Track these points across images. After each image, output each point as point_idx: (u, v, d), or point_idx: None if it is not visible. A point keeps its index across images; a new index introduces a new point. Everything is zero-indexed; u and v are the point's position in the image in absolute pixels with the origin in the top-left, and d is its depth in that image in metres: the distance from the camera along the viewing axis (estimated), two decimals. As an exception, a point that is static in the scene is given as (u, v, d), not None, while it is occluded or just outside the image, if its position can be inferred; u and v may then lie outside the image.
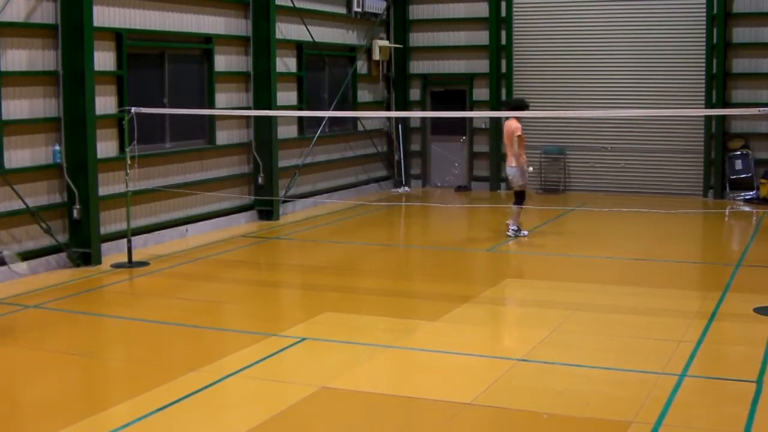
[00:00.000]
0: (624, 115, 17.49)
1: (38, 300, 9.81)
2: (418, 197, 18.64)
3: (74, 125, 11.28)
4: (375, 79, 19.31)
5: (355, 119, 18.48)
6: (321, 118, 16.45)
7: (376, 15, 18.86)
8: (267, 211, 15.20)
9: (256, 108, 14.98)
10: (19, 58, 10.80)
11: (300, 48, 16.44)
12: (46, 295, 10.05)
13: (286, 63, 16.09)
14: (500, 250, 12.89)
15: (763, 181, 16.73)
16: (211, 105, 14.18)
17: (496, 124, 18.92)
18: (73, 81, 11.23)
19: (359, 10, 18.12)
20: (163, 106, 13.16)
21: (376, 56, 18.87)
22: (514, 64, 18.84)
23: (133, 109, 11.64)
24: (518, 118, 13.19)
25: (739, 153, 17.16)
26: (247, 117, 14.99)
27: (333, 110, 16.82)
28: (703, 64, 17.35)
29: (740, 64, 17.19)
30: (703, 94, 17.33)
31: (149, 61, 13.12)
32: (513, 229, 13.35)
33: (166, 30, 13.22)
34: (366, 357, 7.85)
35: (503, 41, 18.83)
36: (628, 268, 11.58)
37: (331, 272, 11.56)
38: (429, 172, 20.00)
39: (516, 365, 7.45)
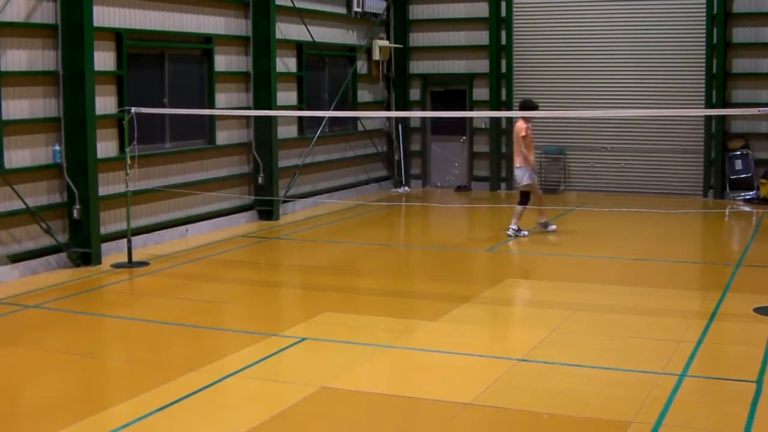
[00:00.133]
0: (624, 115, 17.49)
1: (38, 300, 9.81)
2: (418, 197, 18.64)
3: (74, 125, 11.28)
4: (375, 79, 19.31)
5: (355, 119, 18.48)
6: (321, 118, 16.45)
7: (376, 15, 18.86)
8: (267, 211, 15.20)
9: (256, 108, 14.98)
10: (19, 58, 10.80)
11: (300, 48, 16.44)
12: (46, 295, 10.05)
13: (286, 63, 16.09)
14: (500, 250, 12.89)
15: (763, 181, 16.73)
16: (211, 105, 14.18)
17: (496, 124, 18.95)
18: (73, 81, 11.23)
19: (359, 10, 18.12)
20: (163, 106, 13.17)
21: (376, 56, 18.87)
22: (514, 64, 18.84)
23: (133, 109, 11.64)
24: (526, 119, 13.26)
25: (739, 153, 17.16)
26: (247, 117, 14.99)
27: (333, 110, 16.82)
28: (703, 64, 17.35)
29: (740, 64, 17.19)
30: (703, 94, 17.33)
31: (149, 61, 13.13)
32: (513, 229, 13.37)
33: (166, 30, 13.22)
34: (366, 357, 7.85)
35: (503, 41, 18.83)
36: (628, 268, 11.58)
37: (331, 272, 11.56)
38: (429, 172, 20.00)
39: (516, 365, 7.45)
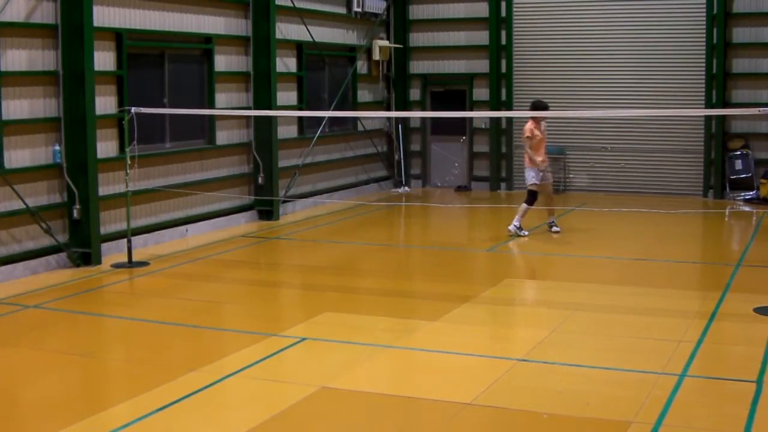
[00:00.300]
0: (624, 115, 17.50)
1: (38, 300, 9.81)
2: (418, 197, 18.64)
3: (74, 125, 11.28)
4: (375, 79, 19.31)
5: (355, 119, 18.48)
6: (321, 118, 16.45)
7: (376, 15, 18.86)
8: (267, 211, 15.20)
9: (256, 108, 14.98)
10: (19, 58, 10.80)
11: (300, 48, 16.44)
12: (46, 295, 10.05)
13: (286, 63, 16.09)
14: (500, 250, 12.89)
15: (763, 181, 16.73)
16: (211, 105, 14.18)
17: (496, 124, 18.96)
18: (73, 81, 11.23)
19: (359, 10, 18.12)
20: (163, 106, 13.17)
21: (376, 56, 18.87)
22: (514, 64, 18.84)
23: (133, 109, 11.64)
24: (535, 119, 13.30)
25: (739, 153, 17.16)
26: (247, 117, 14.99)
27: (333, 110, 16.82)
28: (703, 64, 17.35)
29: (740, 64, 17.19)
30: (703, 94, 17.33)
31: (149, 61, 13.13)
32: (515, 226, 13.41)
33: (166, 30, 13.22)
34: (366, 357, 7.85)
35: (503, 41, 18.83)
36: (628, 268, 11.58)
37: (331, 272, 11.56)
38: (429, 172, 20.00)
39: (516, 365, 7.45)
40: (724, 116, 17.13)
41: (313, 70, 16.96)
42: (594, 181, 18.46)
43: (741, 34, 17.12)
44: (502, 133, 19.05)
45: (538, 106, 13.54)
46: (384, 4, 19.12)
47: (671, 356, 7.56)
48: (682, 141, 17.81)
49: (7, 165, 10.67)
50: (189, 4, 13.63)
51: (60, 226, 11.39)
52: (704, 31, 17.26)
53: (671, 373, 7.12)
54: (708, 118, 17.31)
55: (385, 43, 19.18)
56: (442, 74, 19.54)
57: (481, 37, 18.97)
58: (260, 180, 15.08)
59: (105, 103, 12.04)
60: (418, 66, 19.75)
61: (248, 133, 15.15)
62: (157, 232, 13.05)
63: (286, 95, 16.10)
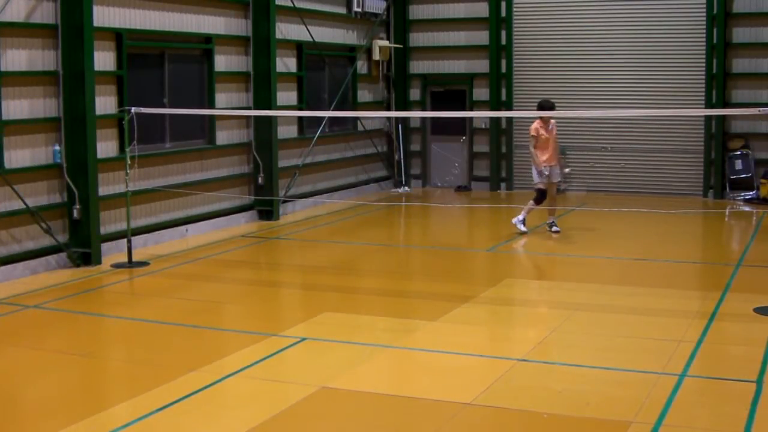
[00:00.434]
0: (624, 115, 17.50)
1: (38, 300, 9.81)
2: (418, 197, 18.64)
3: (74, 125, 11.28)
4: (375, 79, 19.31)
5: (355, 119, 18.48)
6: (321, 118, 16.45)
7: (376, 15, 18.86)
8: (267, 211, 15.20)
9: (256, 108, 14.98)
10: (19, 58, 10.80)
11: (300, 48, 16.44)
12: (46, 295, 10.05)
13: (286, 63, 16.09)
14: (500, 250, 12.89)
15: (763, 181, 16.73)
16: (211, 105, 14.18)
17: (496, 124, 18.95)
18: (73, 81, 11.23)
19: (359, 10, 18.12)
20: (163, 106, 13.16)
21: (376, 56, 18.87)
22: (514, 64, 18.84)
23: (133, 109, 11.64)
24: (543, 119, 13.33)
25: (739, 153, 17.16)
26: (247, 117, 14.99)
27: (333, 110, 16.82)
28: (703, 64, 17.35)
29: (740, 64, 17.19)
30: (703, 94, 17.33)
31: (149, 61, 13.13)
32: (519, 219, 13.53)
33: (166, 30, 13.22)
34: (366, 357, 7.85)
35: (503, 41, 18.83)
36: (628, 268, 11.58)
37: (331, 272, 11.56)
38: (429, 172, 20.00)
39: (516, 365, 7.45)
40: (724, 116, 17.13)
41: (313, 70, 16.96)
42: (594, 181, 18.45)
43: (741, 34, 17.12)
44: (502, 133, 19.05)
45: (544, 105, 13.56)
46: (384, 4, 19.12)
47: (671, 356, 7.56)
48: (682, 141, 17.81)
49: (7, 165, 10.67)
50: (189, 4, 13.63)
51: (60, 226, 11.39)
52: (704, 31, 17.26)
53: (671, 373, 7.12)
54: (708, 118, 17.31)
55: (385, 43, 19.18)
56: (442, 74, 19.54)
57: (481, 37, 18.97)
58: (260, 180, 15.08)
59: (105, 103, 12.04)
60: (418, 66, 19.75)
61: (248, 133, 15.15)
62: (157, 232, 13.05)
63: (286, 95, 16.11)
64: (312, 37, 16.51)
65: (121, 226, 12.01)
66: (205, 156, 14.18)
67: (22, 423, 6.44)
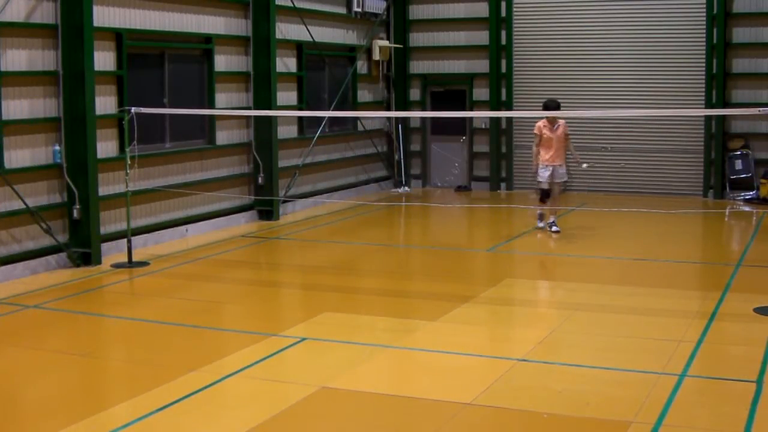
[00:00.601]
0: (624, 115, 17.49)
1: (38, 300, 9.81)
2: (418, 197, 18.64)
3: (74, 125, 11.28)
4: (375, 79, 19.31)
5: (355, 119, 18.48)
6: (321, 118, 16.45)
7: (376, 15, 18.86)
8: (267, 211, 15.20)
9: (256, 108, 14.98)
10: (19, 58, 10.80)
11: (300, 48, 16.44)
12: (46, 295, 10.05)
13: (286, 63, 16.09)
14: (500, 250, 12.89)
15: (763, 181, 16.73)
16: (211, 105, 14.18)
17: (496, 124, 18.95)
18: (73, 81, 11.23)
19: (359, 10, 18.12)
20: (163, 106, 13.16)
21: (376, 56, 18.87)
22: (514, 64, 18.84)
23: (133, 109, 11.64)
24: (549, 119, 13.36)
25: (739, 153, 17.16)
26: (247, 117, 14.99)
27: (333, 110, 16.82)
28: (703, 64, 17.35)
29: (740, 64, 17.19)
30: (703, 94, 17.33)
31: (149, 61, 13.13)
32: (543, 223, 13.93)
33: (166, 30, 13.22)
34: (366, 357, 7.85)
35: (503, 41, 18.83)
36: (628, 268, 11.58)
37: (331, 272, 11.56)
38: (429, 172, 20.00)
39: (516, 365, 7.45)
40: (724, 116, 17.13)
41: (313, 70, 16.96)
42: (594, 181, 18.45)
43: (741, 34, 17.12)
44: (502, 133, 19.05)
45: (549, 105, 13.53)
46: (384, 4, 19.12)
47: (671, 356, 7.56)
48: (682, 141, 17.81)
49: (7, 165, 10.67)
50: (189, 4, 13.63)
51: (60, 226, 11.39)
52: (704, 31, 17.27)
53: (671, 373, 7.12)
54: (708, 118, 17.31)
55: (385, 43, 19.18)
56: (442, 74, 19.54)
57: (481, 37, 18.97)
58: (260, 180, 15.08)
59: (105, 103, 12.04)
60: (418, 66, 19.75)
61: (248, 133, 15.15)
62: (157, 232, 13.05)
63: (286, 95, 16.11)
64: (312, 37, 16.51)
65: (121, 226, 12.01)
66: (205, 156, 14.18)
67: (22, 423, 6.44)
